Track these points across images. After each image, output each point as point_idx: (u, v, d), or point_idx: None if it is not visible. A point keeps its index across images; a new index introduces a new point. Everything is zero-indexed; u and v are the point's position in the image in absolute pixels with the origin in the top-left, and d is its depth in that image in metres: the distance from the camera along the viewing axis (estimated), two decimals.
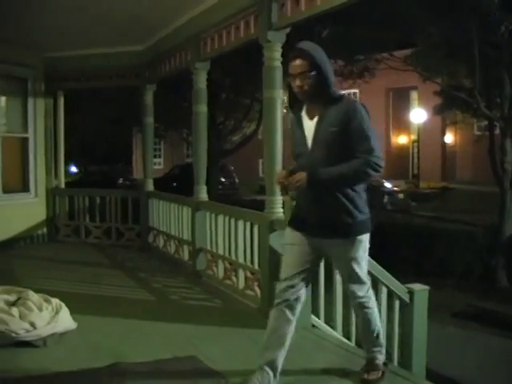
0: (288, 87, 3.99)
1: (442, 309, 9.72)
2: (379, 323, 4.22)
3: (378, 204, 23.39)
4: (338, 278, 5.30)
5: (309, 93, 3.80)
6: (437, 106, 23.18)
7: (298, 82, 3.77)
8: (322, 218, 3.84)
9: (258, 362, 3.87)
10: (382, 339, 4.26)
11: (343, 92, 4.14)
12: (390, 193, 26.38)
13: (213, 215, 7.05)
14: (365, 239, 3.90)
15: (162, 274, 7.66)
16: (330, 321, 5.43)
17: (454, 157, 38.35)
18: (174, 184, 25.96)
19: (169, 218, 8.64)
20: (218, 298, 6.43)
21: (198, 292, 6.76)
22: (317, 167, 3.72)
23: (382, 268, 5.42)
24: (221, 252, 6.81)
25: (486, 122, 19.78)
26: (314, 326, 5.32)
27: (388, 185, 27.54)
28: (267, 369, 3.82)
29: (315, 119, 3.85)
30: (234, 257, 6.47)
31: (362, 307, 4.06)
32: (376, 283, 5.41)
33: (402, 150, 40.78)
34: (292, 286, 3.89)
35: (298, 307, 3.94)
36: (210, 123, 7.91)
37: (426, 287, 5.52)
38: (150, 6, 6.95)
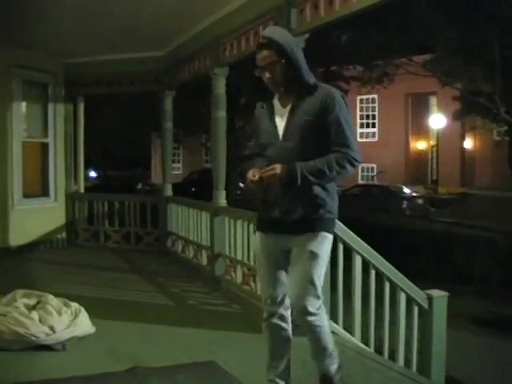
0: (257, 79, 3.60)
1: (460, 315, 9.62)
2: (331, 337, 3.84)
3: (397, 209, 23.31)
4: (356, 283, 5.30)
5: (281, 83, 3.52)
6: (456, 112, 23.13)
7: (267, 74, 3.49)
8: (289, 212, 3.52)
9: (267, 377, 3.80)
10: (334, 351, 3.83)
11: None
12: (409, 198, 26.26)
13: (231, 220, 7.05)
14: (329, 238, 3.60)
15: (180, 278, 7.67)
16: (348, 327, 5.41)
17: (473, 162, 38.21)
18: (193, 189, 26.02)
19: (187, 223, 8.65)
20: (236, 304, 6.43)
21: (216, 297, 6.76)
22: (288, 159, 3.42)
23: (400, 274, 5.41)
24: (239, 257, 6.80)
25: (505, 128, 19.68)
26: (332, 332, 5.28)
27: (407, 190, 27.45)
28: (278, 380, 3.76)
29: (288, 107, 3.57)
30: (252, 262, 6.47)
31: (313, 326, 3.63)
32: (395, 289, 5.41)
33: (421, 155, 40.68)
34: (275, 298, 3.70)
35: (288, 312, 3.77)
36: (228, 128, 7.90)
37: (445, 293, 5.51)
38: (170, 12, 6.98)
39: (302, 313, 3.55)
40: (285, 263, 3.65)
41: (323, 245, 3.54)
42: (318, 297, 3.56)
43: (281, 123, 3.57)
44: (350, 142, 3.45)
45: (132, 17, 7.19)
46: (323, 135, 3.45)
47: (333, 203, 3.58)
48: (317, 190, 3.48)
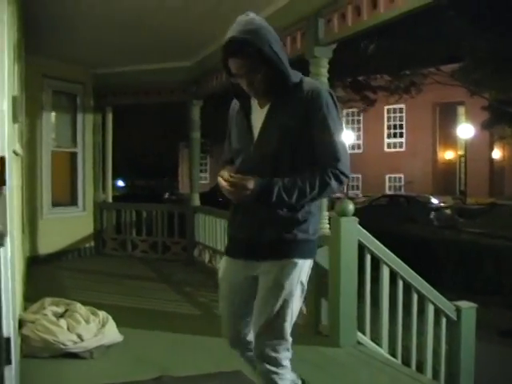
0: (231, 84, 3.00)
1: (489, 327, 9.53)
2: None
3: (425, 220, 23.15)
4: (384, 294, 5.27)
5: (263, 89, 2.86)
6: (485, 121, 22.95)
7: (245, 83, 2.84)
8: (257, 233, 2.90)
9: None
10: None
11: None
12: (437, 209, 26.07)
13: None
14: (305, 265, 2.92)
15: (207, 288, 7.67)
16: (375, 338, 5.38)
17: (502, 172, 37.89)
18: (220, 199, 26.05)
19: (215, 232, 8.66)
20: None
21: None
22: (261, 171, 2.79)
23: (428, 285, 5.37)
24: None
25: None
26: (359, 342, 5.27)
27: (435, 200, 27.30)
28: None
29: (266, 107, 2.91)
30: None
31: (269, 377, 2.92)
32: (422, 300, 5.37)
33: (449, 165, 40.45)
34: (238, 334, 3.13)
35: (251, 344, 3.06)
36: None
37: (474, 305, 5.46)
38: (198, 22, 7.03)
39: (259, 357, 2.92)
40: (252, 296, 2.99)
41: (294, 274, 2.86)
42: (283, 339, 2.96)
43: (257, 126, 2.93)
44: (338, 152, 2.79)
45: (160, 28, 7.24)
46: (306, 142, 2.82)
47: (311, 221, 2.92)
48: (291, 206, 2.83)
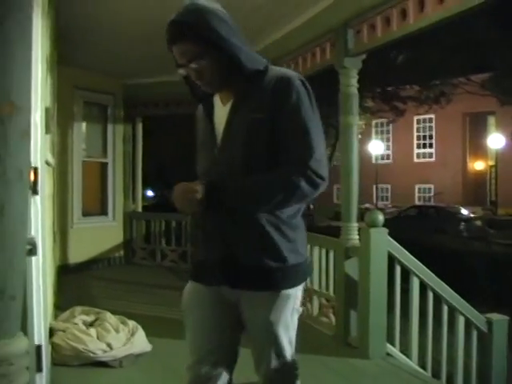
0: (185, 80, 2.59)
1: None
2: None
3: (454, 231, 22.98)
4: (414, 305, 5.24)
5: (218, 81, 2.43)
6: None
7: (193, 74, 2.40)
8: (233, 256, 2.37)
9: None
10: None
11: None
12: (467, 219, 25.87)
13: None
14: (294, 294, 2.45)
15: None
16: (405, 350, 5.34)
17: None
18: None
19: None
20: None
21: None
22: (227, 175, 2.36)
23: (458, 296, 5.33)
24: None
25: None
26: (388, 354, 5.23)
27: (464, 211, 27.08)
28: None
29: (229, 103, 2.46)
30: (308, 283, 6.44)
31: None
32: (453, 312, 5.32)
33: (479, 175, 40.11)
34: (200, 377, 2.75)
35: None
36: None
37: (506, 317, 5.40)
38: None
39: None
40: (232, 327, 2.62)
41: (288, 307, 2.44)
42: (291, 375, 2.78)
43: (220, 127, 2.48)
44: (311, 148, 2.29)
45: None
46: (277, 140, 2.34)
47: (300, 238, 2.44)
48: (271, 219, 2.34)
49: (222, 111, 2.49)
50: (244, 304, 2.45)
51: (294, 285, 2.42)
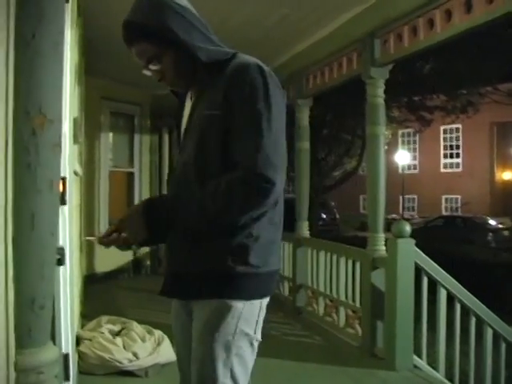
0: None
1: None
2: None
3: (482, 241, 22.77)
4: (441, 317, 5.20)
5: (178, 80, 2.26)
6: None
7: (155, 75, 2.25)
8: (183, 265, 2.20)
9: None
10: None
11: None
12: (495, 230, 25.62)
13: (314, 251, 7.03)
14: (245, 310, 2.12)
15: None
16: (432, 362, 5.29)
17: None
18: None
19: None
20: (318, 335, 6.38)
21: (298, 328, 6.71)
22: (182, 184, 2.19)
23: (486, 308, 5.28)
24: (322, 289, 6.77)
25: None
26: (415, 366, 5.19)
27: (492, 222, 26.79)
28: None
29: (193, 98, 2.29)
30: (335, 294, 6.42)
31: None
32: (481, 323, 5.27)
33: (508, 186, 39.68)
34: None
35: None
36: (311, 159, 7.93)
37: None
38: (254, 43, 7.08)
39: None
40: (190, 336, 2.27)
41: (228, 321, 2.10)
42: None
43: (185, 121, 2.31)
44: (258, 149, 1.96)
45: None
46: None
47: (256, 249, 2.11)
48: (222, 229, 2.08)
49: (187, 109, 2.32)
50: (194, 316, 2.23)
51: (239, 296, 2.09)
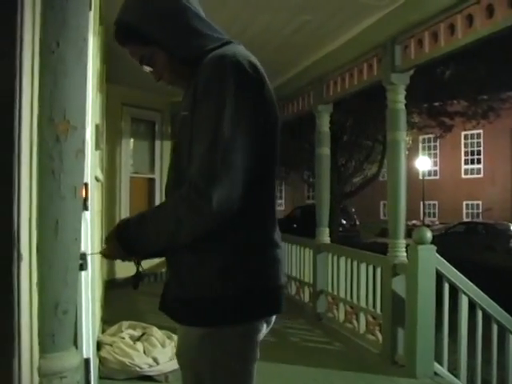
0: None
1: None
2: None
3: (504, 248, 22.59)
4: (463, 324, 5.16)
5: (174, 79, 2.10)
6: None
7: (152, 75, 2.12)
8: (167, 287, 2.04)
9: None
10: None
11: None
12: None
13: (335, 257, 7.02)
14: (223, 337, 1.86)
15: (282, 315, 7.60)
16: (453, 369, 5.26)
17: None
18: (294, 225, 26.05)
19: (290, 259, 8.65)
20: (338, 342, 6.36)
21: (318, 335, 6.70)
22: (168, 190, 2.00)
23: (509, 316, 5.24)
24: (342, 295, 6.76)
25: None
26: (436, 374, 5.16)
27: None
28: None
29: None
30: (355, 300, 6.41)
31: None
32: (503, 331, 5.23)
33: None
34: None
35: None
36: (331, 165, 7.93)
37: None
38: (275, 50, 7.10)
39: None
40: None
41: (200, 349, 1.88)
42: None
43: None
44: (200, 158, 1.74)
45: None
46: None
47: (237, 268, 1.84)
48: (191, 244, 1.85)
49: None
50: None
51: (210, 323, 1.85)
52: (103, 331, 5.56)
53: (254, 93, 1.83)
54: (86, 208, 2.55)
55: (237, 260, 1.83)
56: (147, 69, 2.06)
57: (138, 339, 5.29)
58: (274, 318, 2.08)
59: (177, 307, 1.92)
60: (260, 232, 1.89)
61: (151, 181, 10.33)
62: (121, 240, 1.90)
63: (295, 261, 8.44)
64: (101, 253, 2.03)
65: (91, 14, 2.07)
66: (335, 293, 6.95)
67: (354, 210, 31.64)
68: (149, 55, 2.00)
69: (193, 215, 1.72)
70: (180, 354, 2.05)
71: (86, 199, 2.54)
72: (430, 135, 32.27)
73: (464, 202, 41.25)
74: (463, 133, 38.81)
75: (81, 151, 1.58)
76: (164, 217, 1.81)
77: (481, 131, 37.52)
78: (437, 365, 5.17)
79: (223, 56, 1.83)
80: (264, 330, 2.00)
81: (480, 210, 39.71)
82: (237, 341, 1.88)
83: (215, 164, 1.69)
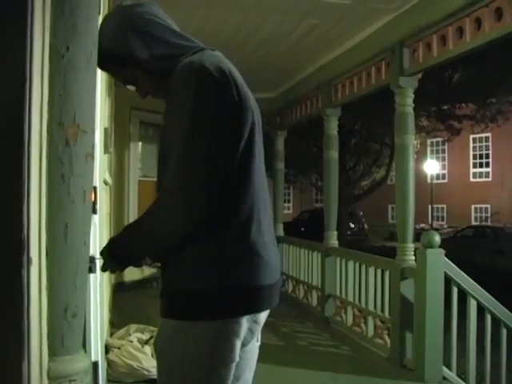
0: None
1: None
2: None
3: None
4: (471, 328, 5.15)
5: (160, 93, 2.15)
6: None
7: (138, 93, 2.23)
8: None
9: None
10: None
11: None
12: None
13: (343, 261, 7.01)
14: (193, 332, 1.89)
15: (290, 318, 7.65)
16: (462, 373, 5.24)
17: None
18: (302, 229, 26.04)
19: (298, 263, 8.64)
20: (346, 346, 6.35)
21: (327, 338, 6.69)
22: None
23: None
24: (350, 299, 6.74)
25: None
26: (445, 378, 5.15)
27: None
28: None
29: None
30: (363, 304, 6.39)
31: None
32: None
33: None
34: None
35: None
36: (340, 168, 7.92)
37: None
38: (283, 54, 7.11)
39: None
40: None
41: (172, 343, 1.96)
42: None
43: None
44: (179, 163, 1.84)
45: (247, 60, 7.35)
46: None
47: (208, 261, 1.89)
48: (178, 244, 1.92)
49: None
50: None
51: (183, 316, 1.92)
52: (111, 334, 5.57)
53: (219, 96, 1.85)
54: (94, 211, 2.56)
55: (215, 258, 1.87)
56: (131, 88, 2.13)
57: (146, 342, 5.28)
58: (260, 321, 2.15)
59: (161, 301, 2.03)
60: (242, 232, 1.91)
61: None
62: (111, 250, 1.98)
63: (303, 264, 8.43)
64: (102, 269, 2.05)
65: (100, 18, 2.08)
66: (343, 296, 6.94)
67: (362, 213, 31.61)
68: (129, 75, 2.07)
69: (169, 216, 1.84)
70: (155, 344, 2.10)
71: (94, 203, 2.54)
72: (439, 138, 32.20)
73: (472, 206, 41.12)
74: (472, 136, 38.66)
75: (90, 155, 1.59)
76: (143, 221, 1.97)
77: (489, 134, 37.41)
78: (445, 369, 5.15)
79: (190, 62, 1.87)
80: (243, 333, 1.98)
81: (488, 214, 39.57)
82: (209, 338, 1.88)
83: (180, 167, 1.80)
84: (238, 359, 1.95)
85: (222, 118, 1.84)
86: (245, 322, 1.95)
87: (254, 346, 2.23)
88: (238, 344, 1.94)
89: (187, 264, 1.89)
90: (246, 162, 1.93)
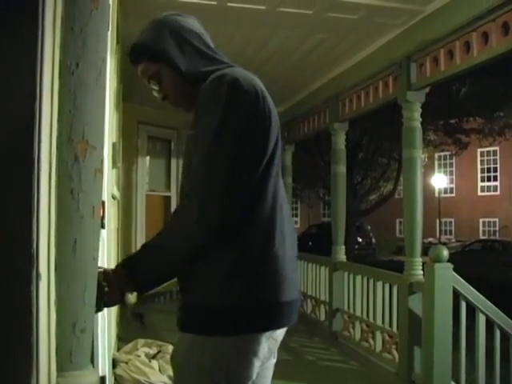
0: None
1: None
2: None
3: None
4: (480, 343, 5.12)
5: (180, 100, 2.21)
6: None
7: (158, 96, 2.19)
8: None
9: None
10: None
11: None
12: None
13: (351, 276, 7.00)
14: (214, 345, 1.86)
15: (298, 333, 7.62)
16: None
17: None
18: (310, 243, 26.01)
19: (306, 277, 8.63)
20: (354, 361, 6.33)
21: (334, 353, 6.67)
22: None
23: None
24: (358, 313, 6.72)
25: None
26: None
27: None
28: None
29: None
30: (371, 318, 6.38)
31: None
32: None
33: None
34: None
35: None
36: (347, 183, 7.93)
37: None
38: (291, 68, 7.14)
39: None
40: None
41: (188, 355, 1.92)
42: None
43: None
44: (194, 174, 1.90)
45: (253, 73, 7.39)
46: None
47: (208, 277, 1.87)
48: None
49: None
50: None
51: (201, 330, 1.88)
52: (119, 349, 5.56)
53: (249, 109, 1.90)
54: (102, 226, 2.56)
55: (235, 271, 1.84)
56: (154, 86, 2.13)
57: (154, 357, 5.28)
58: (278, 338, 2.05)
59: (178, 315, 1.96)
60: (264, 246, 1.89)
61: (167, 199, 10.36)
62: (132, 279, 1.94)
63: (311, 279, 8.43)
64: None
65: (109, 34, 2.10)
66: (351, 311, 6.92)
67: (369, 227, 31.56)
68: (159, 75, 2.08)
69: (199, 227, 1.80)
70: (172, 357, 2.06)
71: (102, 217, 2.55)
72: (446, 152, 32.19)
73: (480, 220, 41.03)
74: (479, 150, 38.66)
75: (99, 171, 1.60)
76: (167, 227, 1.95)
77: (497, 148, 37.37)
78: None
79: (223, 75, 1.91)
80: (264, 352, 1.95)
81: (497, 228, 39.46)
82: (226, 354, 1.86)
83: (201, 176, 1.82)
84: (254, 377, 1.93)
85: (251, 131, 1.88)
86: (264, 339, 1.91)
87: (271, 362, 2.17)
88: (256, 362, 1.92)
89: (206, 277, 1.87)
90: (269, 176, 1.92)
